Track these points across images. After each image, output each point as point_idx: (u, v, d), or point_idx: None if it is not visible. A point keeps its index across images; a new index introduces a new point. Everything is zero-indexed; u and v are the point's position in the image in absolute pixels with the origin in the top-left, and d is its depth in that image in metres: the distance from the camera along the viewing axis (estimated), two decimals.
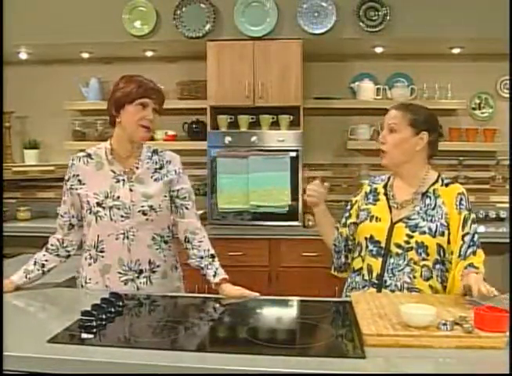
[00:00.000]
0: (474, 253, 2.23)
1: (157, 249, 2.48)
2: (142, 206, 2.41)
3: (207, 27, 4.26)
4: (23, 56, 4.72)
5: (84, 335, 1.76)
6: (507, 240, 3.95)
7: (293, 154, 4.26)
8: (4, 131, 4.88)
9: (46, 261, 2.45)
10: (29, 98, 4.94)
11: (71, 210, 2.47)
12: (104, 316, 1.92)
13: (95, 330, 1.81)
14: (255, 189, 4.25)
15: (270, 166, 4.24)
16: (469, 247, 2.22)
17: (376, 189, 2.45)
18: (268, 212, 4.27)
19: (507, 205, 4.59)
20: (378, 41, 4.36)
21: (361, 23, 4.15)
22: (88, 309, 1.93)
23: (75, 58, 4.80)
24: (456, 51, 4.51)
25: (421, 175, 2.35)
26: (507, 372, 1.53)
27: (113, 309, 2.00)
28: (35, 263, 2.43)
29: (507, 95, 4.71)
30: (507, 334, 1.70)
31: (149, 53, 4.70)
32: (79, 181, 2.43)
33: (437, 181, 2.34)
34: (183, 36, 4.28)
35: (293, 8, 4.21)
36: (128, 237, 2.40)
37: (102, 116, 4.69)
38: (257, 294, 2.30)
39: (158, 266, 2.48)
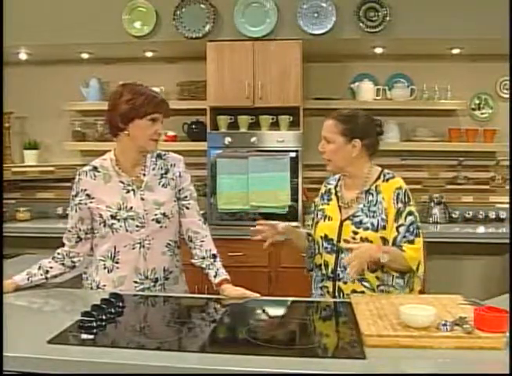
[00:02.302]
0: (410, 242, 2.35)
1: (171, 255, 2.50)
2: (156, 214, 2.42)
3: (207, 27, 4.26)
4: (23, 56, 4.71)
5: (84, 336, 1.77)
6: (507, 241, 3.95)
7: (293, 155, 4.26)
8: (3, 131, 4.88)
9: (51, 268, 2.45)
10: (29, 98, 4.94)
11: (79, 224, 2.46)
12: (104, 317, 1.92)
13: (95, 330, 1.81)
14: (255, 189, 4.25)
15: (270, 166, 4.24)
16: (404, 237, 2.35)
17: (329, 189, 2.60)
18: (268, 213, 4.25)
19: (507, 206, 4.59)
20: (378, 42, 4.36)
21: (361, 24, 4.14)
22: (88, 309, 1.93)
23: (75, 58, 4.79)
24: (455, 51, 4.51)
25: (364, 174, 2.48)
26: (507, 372, 1.53)
27: (113, 310, 2.01)
28: (39, 268, 2.44)
29: (507, 96, 4.70)
30: (507, 334, 1.70)
31: (149, 54, 4.70)
32: (88, 195, 2.43)
33: (379, 177, 2.48)
34: (183, 36, 4.28)
35: (293, 8, 4.21)
36: (144, 246, 2.42)
37: (102, 116, 4.68)
38: (258, 294, 2.31)
39: (171, 273, 2.51)
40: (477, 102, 4.78)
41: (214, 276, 2.43)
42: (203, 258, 2.50)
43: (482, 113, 4.79)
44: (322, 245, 2.49)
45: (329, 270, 2.44)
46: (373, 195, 2.43)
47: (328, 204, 2.54)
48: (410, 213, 2.38)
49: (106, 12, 4.30)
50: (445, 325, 1.74)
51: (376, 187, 2.44)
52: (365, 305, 2.02)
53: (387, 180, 2.45)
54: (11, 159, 4.93)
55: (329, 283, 2.43)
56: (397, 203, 2.38)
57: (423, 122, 4.68)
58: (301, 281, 3.97)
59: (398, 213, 2.37)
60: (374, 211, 2.40)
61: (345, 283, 2.39)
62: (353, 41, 4.30)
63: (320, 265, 2.50)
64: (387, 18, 4.13)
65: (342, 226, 2.43)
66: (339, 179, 2.59)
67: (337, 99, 4.63)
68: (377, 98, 4.60)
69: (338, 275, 2.41)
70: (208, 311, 2.25)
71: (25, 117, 5.03)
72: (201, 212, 2.66)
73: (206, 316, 2.19)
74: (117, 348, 1.72)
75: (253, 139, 4.30)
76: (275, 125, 4.49)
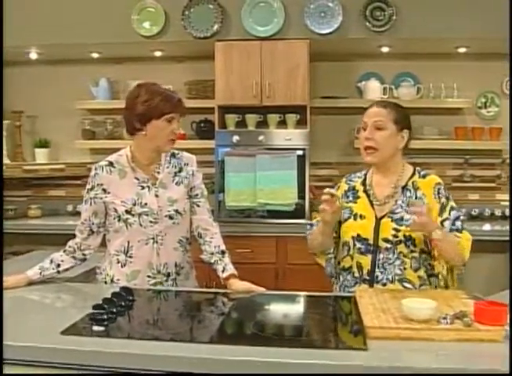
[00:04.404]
0: (459, 231, 2.28)
1: (183, 251, 2.56)
2: (169, 211, 2.48)
3: (215, 27, 4.31)
4: (34, 56, 4.78)
5: (95, 328, 1.82)
6: None
7: (300, 153, 4.30)
8: (15, 130, 4.96)
9: (62, 261, 2.50)
10: (39, 97, 5.01)
11: (92, 218, 2.51)
12: (115, 310, 1.97)
13: (106, 322, 1.86)
14: (263, 187, 4.28)
15: (277, 164, 4.28)
16: (450, 230, 2.27)
17: (354, 186, 2.50)
18: (276, 210, 4.31)
19: None
20: (384, 41, 4.39)
21: (367, 23, 4.18)
22: (100, 302, 1.99)
23: (85, 58, 4.86)
24: (461, 50, 4.54)
25: (399, 170, 2.41)
26: (506, 370, 1.55)
27: (123, 303, 2.07)
28: (51, 262, 2.49)
29: None
30: (506, 328, 1.74)
31: (157, 53, 4.76)
32: (104, 190, 2.48)
33: (414, 174, 2.41)
34: (191, 36, 4.33)
35: (300, 8, 4.25)
36: (157, 242, 2.47)
37: (112, 115, 4.78)
38: (263, 289, 2.36)
39: (183, 268, 2.57)
40: (484, 100, 4.80)
41: (222, 271, 2.49)
42: (212, 253, 2.55)
43: (488, 112, 4.81)
44: (354, 246, 2.37)
45: (365, 272, 2.35)
46: (410, 191, 2.36)
47: (355, 202, 2.44)
48: (453, 208, 2.32)
49: (115, 12, 4.36)
50: (445, 318, 1.78)
51: (413, 183, 2.37)
52: (369, 299, 2.07)
53: (424, 176, 2.40)
54: (22, 157, 5.01)
55: (365, 287, 2.33)
56: (439, 198, 2.33)
57: (430, 120, 4.69)
58: (308, 277, 4.03)
59: (442, 207, 2.31)
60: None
61: (384, 284, 2.31)
62: (360, 41, 4.34)
63: (350, 267, 2.40)
64: (394, 17, 4.17)
65: (380, 224, 2.34)
66: (365, 177, 2.50)
67: (344, 98, 4.68)
68: (384, 96, 4.61)
69: (376, 277, 2.32)
70: (217, 305, 2.30)
71: (36, 116, 5.09)
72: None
73: (214, 309, 2.25)
74: (127, 339, 1.77)
75: (260, 138, 4.35)
76: (282, 124, 4.53)
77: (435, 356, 1.63)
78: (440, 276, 2.35)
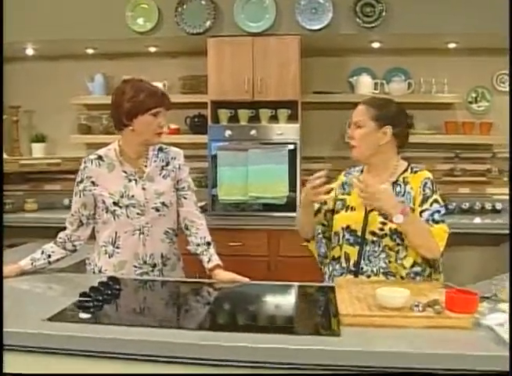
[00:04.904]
0: (436, 222, 2.30)
1: (169, 243, 2.63)
2: (155, 203, 2.56)
3: (208, 23, 4.36)
4: (30, 51, 4.83)
5: (81, 315, 1.89)
6: (503, 231, 4.04)
7: (292, 147, 4.35)
8: (12, 125, 5.02)
9: (53, 252, 2.58)
10: (36, 93, 5.06)
11: (81, 209, 2.59)
12: (101, 298, 2.05)
13: (92, 310, 1.94)
14: (254, 181, 4.34)
15: (269, 159, 4.33)
16: (426, 221, 2.30)
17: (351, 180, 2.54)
18: (267, 203, 4.37)
19: (503, 197, 4.65)
20: (375, 37, 4.43)
21: (357, 19, 4.23)
22: (86, 291, 2.06)
23: (80, 54, 4.91)
24: (452, 46, 4.58)
25: (391, 166, 2.44)
26: (477, 353, 1.63)
27: (110, 292, 2.13)
28: (42, 252, 2.57)
29: (503, 89, 4.77)
30: (475, 315, 1.82)
31: (151, 49, 4.81)
32: (92, 182, 2.56)
33: (406, 170, 2.45)
34: (184, 32, 4.39)
35: (291, 4, 4.31)
36: (143, 233, 2.55)
37: (107, 110, 4.77)
38: (247, 279, 2.43)
39: (169, 259, 2.64)
40: (474, 95, 4.84)
41: (208, 262, 2.56)
42: (198, 244, 2.62)
43: (479, 107, 4.86)
44: (344, 236, 2.43)
45: (351, 263, 2.40)
46: (400, 186, 2.39)
47: (349, 195, 2.50)
48: (436, 201, 2.34)
49: (109, 8, 4.42)
50: (417, 306, 1.85)
51: (403, 179, 2.41)
52: (347, 288, 2.13)
53: (415, 172, 2.43)
54: (19, 152, 5.07)
55: (351, 277, 2.38)
56: (423, 190, 2.35)
57: (421, 115, 4.72)
58: (299, 270, 4.07)
59: (424, 198, 2.34)
60: (402, 202, 2.32)
61: (369, 276, 2.34)
62: (350, 37, 4.38)
63: (339, 257, 2.46)
64: (384, 13, 4.21)
65: (368, 217, 2.39)
66: (362, 171, 2.55)
67: (335, 93, 4.72)
68: (375, 91, 4.66)
69: (362, 268, 2.37)
70: (202, 294, 2.36)
71: (33, 111, 5.15)
72: (202, 203, 2.77)
73: (200, 298, 2.31)
74: (113, 325, 1.83)
75: (252, 132, 4.40)
76: (274, 119, 4.59)
77: (407, 342, 1.70)
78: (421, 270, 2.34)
